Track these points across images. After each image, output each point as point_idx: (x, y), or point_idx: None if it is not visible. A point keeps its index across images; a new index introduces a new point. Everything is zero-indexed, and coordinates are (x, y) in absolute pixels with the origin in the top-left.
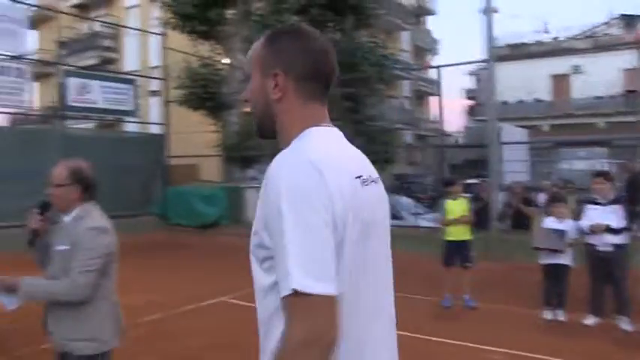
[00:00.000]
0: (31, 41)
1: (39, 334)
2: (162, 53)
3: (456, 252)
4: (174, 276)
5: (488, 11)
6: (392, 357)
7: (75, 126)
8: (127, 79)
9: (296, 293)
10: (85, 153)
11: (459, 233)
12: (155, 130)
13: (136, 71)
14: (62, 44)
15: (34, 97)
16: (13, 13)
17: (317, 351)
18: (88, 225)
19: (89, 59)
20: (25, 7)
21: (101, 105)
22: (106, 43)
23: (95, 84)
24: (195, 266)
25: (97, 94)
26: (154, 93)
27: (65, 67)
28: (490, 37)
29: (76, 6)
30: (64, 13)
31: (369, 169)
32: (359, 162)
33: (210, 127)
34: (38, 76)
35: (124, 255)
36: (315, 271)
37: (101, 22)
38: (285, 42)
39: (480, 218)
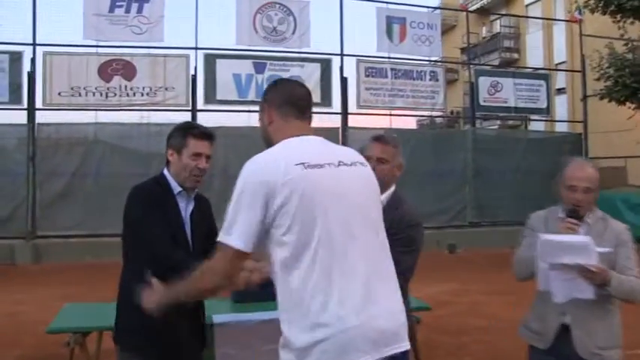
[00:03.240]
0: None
1: None
2: (569, 45)
3: None
4: None
5: None
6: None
7: (483, 127)
8: (540, 74)
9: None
10: (493, 154)
11: None
12: (564, 128)
13: (539, 69)
14: (464, 50)
15: (446, 100)
16: (429, 20)
17: (217, 275)
18: (619, 225)
19: (490, 62)
20: (438, 12)
21: (512, 104)
22: (506, 43)
23: (507, 82)
24: None
25: (509, 91)
26: (559, 91)
27: (477, 67)
28: None
29: (475, 11)
30: (470, 12)
31: (338, 156)
32: (319, 153)
33: None
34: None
35: None
36: (230, 229)
37: (506, 14)
38: (268, 89)
39: None
